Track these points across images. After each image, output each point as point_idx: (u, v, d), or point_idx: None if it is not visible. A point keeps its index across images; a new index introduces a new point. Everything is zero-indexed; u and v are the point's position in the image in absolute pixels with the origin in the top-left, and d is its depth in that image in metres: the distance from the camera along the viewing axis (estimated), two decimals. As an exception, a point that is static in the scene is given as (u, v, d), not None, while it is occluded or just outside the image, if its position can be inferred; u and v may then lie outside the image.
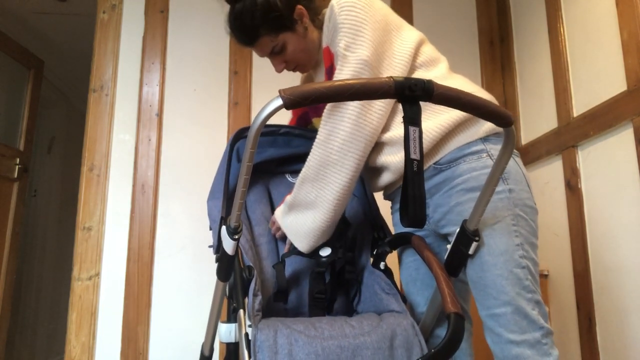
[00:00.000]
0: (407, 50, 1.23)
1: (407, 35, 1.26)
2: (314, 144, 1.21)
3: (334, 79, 1.18)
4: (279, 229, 1.36)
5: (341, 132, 1.16)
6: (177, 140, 2.59)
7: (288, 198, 1.30)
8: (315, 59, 1.43)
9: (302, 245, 1.27)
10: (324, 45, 1.31)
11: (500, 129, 1.21)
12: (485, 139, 1.19)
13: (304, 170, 1.23)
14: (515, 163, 1.20)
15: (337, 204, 1.21)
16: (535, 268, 1.15)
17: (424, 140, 1.17)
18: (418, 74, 1.26)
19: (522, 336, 1.09)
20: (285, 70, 1.45)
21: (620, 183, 1.85)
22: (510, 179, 1.17)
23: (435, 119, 1.19)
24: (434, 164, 1.21)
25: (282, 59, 1.41)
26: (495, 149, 1.18)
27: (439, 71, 1.27)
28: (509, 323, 1.10)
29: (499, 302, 1.11)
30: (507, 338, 1.10)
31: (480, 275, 1.14)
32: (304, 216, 1.25)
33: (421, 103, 1.20)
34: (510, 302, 1.10)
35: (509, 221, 1.14)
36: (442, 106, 1.17)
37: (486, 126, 1.19)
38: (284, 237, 1.36)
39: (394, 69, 1.21)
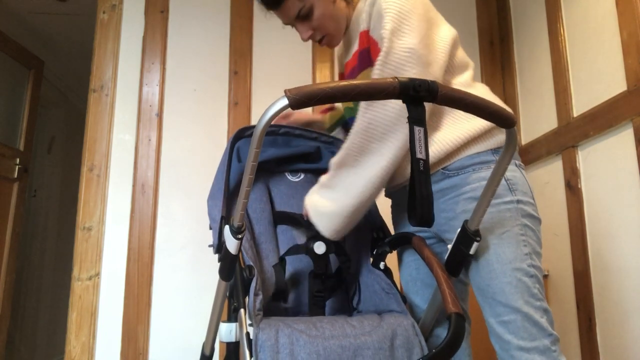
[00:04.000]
0: (446, 48, 1.22)
1: (444, 34, 1.25)
2: (353, 131, 1.17)
3: (377, 63, 1.15)
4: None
5: (383, 121, 1.14)
6: (177, 140, 2.59)
7: (322, 178, 1.26)
8: (343, 31, 1.38)
9: (326, 228, 1.23)
10: (362, 28, 1.27)
11: None
12: (495, 150, 1.20)
13: (342, 155, 1.19)
14: (522, 175, 1.22)
15: (370, 193, 1.18)
16: (541, 276, 1.17)
17: (442, 147, 1.18)
18: (446, 77, 1.25)
19: (532, 343, 1.11)
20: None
21: (620, 183, 1.85)
22: (518, 190, 1.18)
23: (455, 126, 1.20)
24: (442, 169, 1.21)
25: (309, 26, 1.34)
26: None
27: (463, 78, 1.27)
28: (518, 330, 1.12)
29: (508, 310, 1.13)
30: (517, 345, 1.11)
31: (488, 283, 1.16)
32: (332, 199, 1.22)
33: (447, 112, 1.18)
34: (520, 309, 1.12)
35: (517, 231, 1.16)
36: (463, 114, 1.18)
37: (497, 139, 1.21)
38: None
39: (439, 62, 1.19)
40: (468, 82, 1.27)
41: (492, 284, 1.15)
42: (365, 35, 1.25)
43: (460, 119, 1.21)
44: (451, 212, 1.20)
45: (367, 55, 1.25)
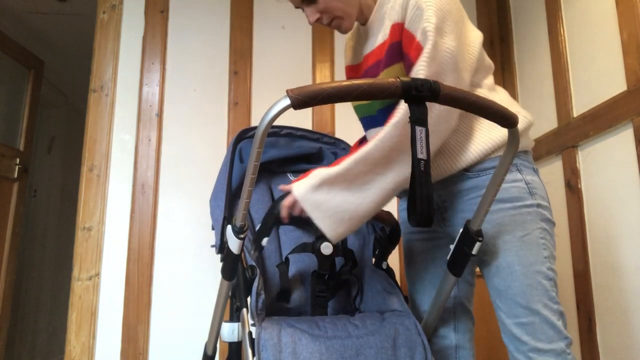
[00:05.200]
0: (475, 53, 1.21)
1: (473, 36, 1.23)
2: (392, 123, 1.07)
3: (424, 59, 1.08)
4: (292, 206, 1.16)
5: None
6: (177, 140, 2.59)
7: (321, 171, 1.10)
8: (354, 15, 1.29)
9: (333, 231, 1.10)
10: (395, 20, 1.19)
11: (529, 148, 1.25)
12: (516, 154, 1.20)
13: (368, 148, 1.07)
14: (539, 180, 1.23)
15: (391, 194, 1.10)
16: (556, 280, 1.18)
17: (474, 157, 1.18)
18: (477, 79, 1.24)
19: (550, 345, 1.12)
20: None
21: (620, 183, 1.86)
22: (538, 195, 1.19)
23: (485, 135, 1.20)
24: (464, 170, 1.21)
25: (315, 9, 1.25)
26: (523, 164, 1.21)
27: (489, 80, 1.27)
28: (536, 332, 1.13)
29: (528, 312, 1.14)
30: (534, 346, 1.13)
31: (509, 285, 1.16)
32: (345, 198, 1.09)
33: (473, 117, 1.18)
34: (539, 312, 1.13)
35: (537, 234, 1.17)
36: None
37: (521, 143, 1.19)
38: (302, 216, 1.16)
39: (468, 68, 1.17)
40: (492, 84, 1.28)
41: (513, 286, 1.16)
42: (399, 28, 1.18)
43: (489, 125, 1.20)
44: (469, 213, 1.20)
45: (398, 49, 1.20)
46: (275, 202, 1.19)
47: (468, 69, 1.17)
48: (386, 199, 1.11)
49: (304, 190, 1.11)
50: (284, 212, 1.18)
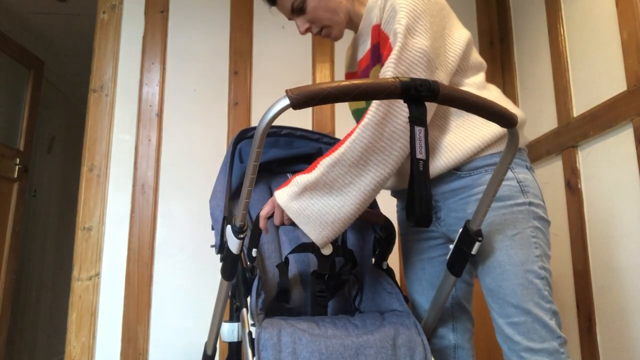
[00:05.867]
0: (457, 51, 1.21)
1: (457, 35, 1.23)
2: (362, 125, 1.08)
3: (391, 59, 1.10)
4: (281, 216, 1.19)
5: (400, 118, 1.08)
6: (177, 140, 2.59)
7: (300, 179, 1.13)
8: (343, 23, 1.35)
9: (318, 235, 1.12)
10: (374, 22, 1.24)
11: (522, 145, 1.25)
12: None
13: (342, 150, 1.09)
14: (533, 178, 1.23)
15: (371, 195, 1.11)
16: (551, 279, 1.18)
17: (461, 154, 1.18)
18: (457, 77, 1.24)
19: (542, 345, 1.12)
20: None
21: (620, 183, 1.86)
22: (530, 193, 1.19)
23: (473, 131, 1.19)
24: (455, 169, 1.21)
25: (304, 19, 1.33)
26: (515, 162, 1.21)
27: (477, 79, 1.26)
28: (528, 332, 1.12)
29: (519, 311, 1.13)
30: (526, 346, 1.12)
31: (500, 284, 1.16)
32: (326, 202, 1.11)
33: (461, 115, 1.18)
34: (530, 311, 1.13)
35: (529, 233, 1.16)
36: (480, 119, 1.17)
37: None
38: (291, 223, 1.18)
39: (446, 67, 1.18)
40: (482, 83, 1.27)
41: (504, 285, 1.15)
42: (377, 30, 1.22)
43: (478, 123, 1.20)
44: (462, 213, 1.20)
45: (378, 49, 1.23)
46: (257, 217, 1.22)
47: (446, 68, 1.18)
48: (368, 200, 1.12)
49: (287, 198, 1.15)
50: (262, 224, 1.21)
